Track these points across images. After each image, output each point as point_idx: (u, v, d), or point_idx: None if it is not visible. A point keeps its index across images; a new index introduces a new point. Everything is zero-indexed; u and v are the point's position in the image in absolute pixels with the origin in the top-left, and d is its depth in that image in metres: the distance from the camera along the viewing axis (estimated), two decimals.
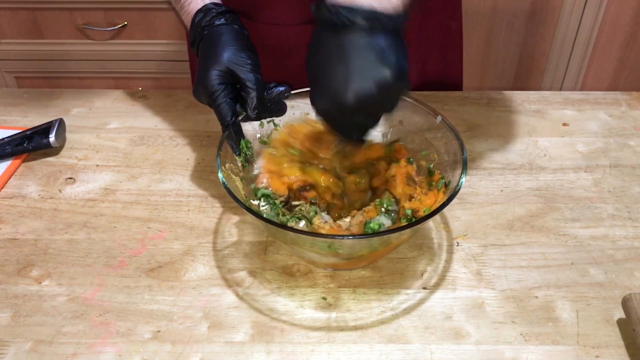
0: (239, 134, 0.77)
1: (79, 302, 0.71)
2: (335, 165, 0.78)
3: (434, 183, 0.76)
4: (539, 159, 0.91)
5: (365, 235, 0.70)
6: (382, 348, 0.66)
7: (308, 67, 0.66)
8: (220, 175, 0.69)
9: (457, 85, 1.13)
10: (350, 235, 0.68)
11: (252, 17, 0.95)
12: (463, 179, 0.68)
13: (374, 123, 0.68)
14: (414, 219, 0.72)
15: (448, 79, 1.11)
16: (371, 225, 0.73)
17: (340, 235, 0.69)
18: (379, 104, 0.63)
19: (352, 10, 0.60)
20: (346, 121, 0.66)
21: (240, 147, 0.77)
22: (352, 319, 0.69)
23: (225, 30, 0.77)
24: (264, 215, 0.74)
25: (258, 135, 0.81)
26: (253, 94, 0.75)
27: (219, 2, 0.82)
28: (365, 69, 0.60)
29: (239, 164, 0.77)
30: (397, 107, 0.66)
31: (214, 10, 0.79)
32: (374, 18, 0.59)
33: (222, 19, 0.78)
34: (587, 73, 1.96)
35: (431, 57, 1.06)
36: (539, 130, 0.97)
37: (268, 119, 0.81)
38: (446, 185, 0.72)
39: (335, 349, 0.66)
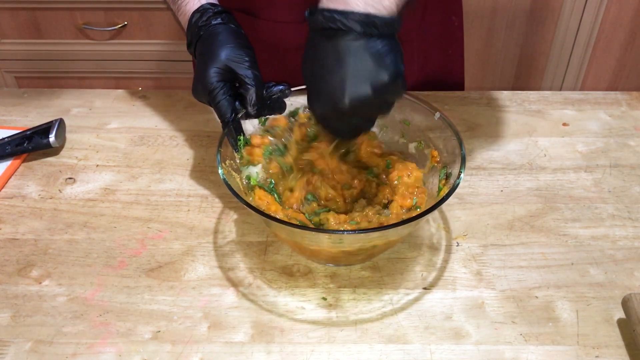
0: (239, 131, 0.77)
1: (79, 302, 0.71)
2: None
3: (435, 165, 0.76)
4: (539, 159, 0.91)
5: (364, 230, 0.70)
6: (382, 348, 0.66)
7: (304, 72, 0.67)
8: (220, 171, 0.69)
9: (459, 83, 1.13)
10: (350, 230, 0.69)
11: (253, 14, 0.95)
12: (462, 174, 0.68)
13: (369, 125, 0.71)
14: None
15: (450, 76, 1.11)
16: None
17: (340, 231, 0.69)
18: (375, 107, 0.65)
19: (346, 14, 0.60)
20: (342, 124, 0.68)
21: (240, 144, 0.77)
22: (352, 319, 0.69)
23: (222, 29, 0.78)
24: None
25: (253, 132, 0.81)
26: (252, 90, 0.75)
27: (216, 2, 0.82)
28: (361, 73, 0.61)
29: (239, 161, 0.77)
30: (392, 110, 0.68)
31: (211, 11, 0.79)
32: (368, 22, 0.60)
33: (219, 19, 0.79)
34: (587, 73, 1.96)
35: (432, 52, 1.06)
36: (539, 130, 0.97)
37: (267, 117, 0.81)
38: (447, 177, 0.72)
39: (335, 349, 0.66)
